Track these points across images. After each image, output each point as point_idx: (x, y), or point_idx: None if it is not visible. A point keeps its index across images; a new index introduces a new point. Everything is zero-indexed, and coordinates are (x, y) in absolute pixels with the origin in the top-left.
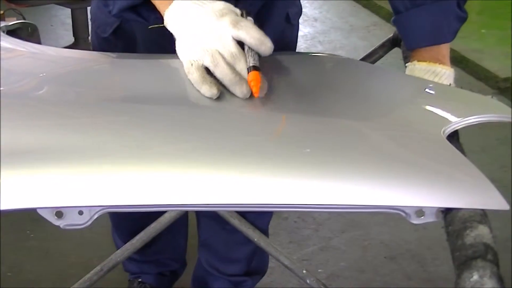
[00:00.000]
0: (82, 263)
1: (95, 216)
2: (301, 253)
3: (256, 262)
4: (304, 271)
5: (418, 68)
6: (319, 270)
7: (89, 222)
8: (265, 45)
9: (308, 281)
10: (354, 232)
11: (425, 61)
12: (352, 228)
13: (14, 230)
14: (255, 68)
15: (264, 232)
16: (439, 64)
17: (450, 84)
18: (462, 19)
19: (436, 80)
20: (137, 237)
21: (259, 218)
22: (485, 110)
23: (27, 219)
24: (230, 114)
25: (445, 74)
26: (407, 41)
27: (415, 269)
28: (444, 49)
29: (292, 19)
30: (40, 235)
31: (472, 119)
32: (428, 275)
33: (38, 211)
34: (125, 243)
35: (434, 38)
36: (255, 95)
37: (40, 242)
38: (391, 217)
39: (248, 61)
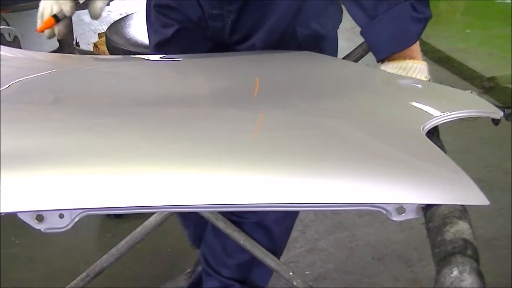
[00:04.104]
0: (68, 269)
1: (76, 219)
2: (288, 255)
3: (256, 276)
4: (291, 273)
5: (390, 67)
6: (306, 272)
7: (70, 225)
8: None
9: (294, 283)
10: (340, 233)
11: (394, 60)
12: (339, 230)
13: None
14: None
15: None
16: (410, 59)
17: (429, 79)
18: (422, 19)
19: (409, 75)
20: (123, 242)
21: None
22: (465, 106)
23: (11, 225)
24: (210, 114)
25: (417, 68)
26: (373, 53)
27: (402, 270)
28: (413, 46)
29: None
30: (25, 241)
31: (452, 115)
32: (415, 276)
33: (19, 215)
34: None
35: (394, 46)
36: None
37: (25, 248)
38: (377, 218)
39: None
